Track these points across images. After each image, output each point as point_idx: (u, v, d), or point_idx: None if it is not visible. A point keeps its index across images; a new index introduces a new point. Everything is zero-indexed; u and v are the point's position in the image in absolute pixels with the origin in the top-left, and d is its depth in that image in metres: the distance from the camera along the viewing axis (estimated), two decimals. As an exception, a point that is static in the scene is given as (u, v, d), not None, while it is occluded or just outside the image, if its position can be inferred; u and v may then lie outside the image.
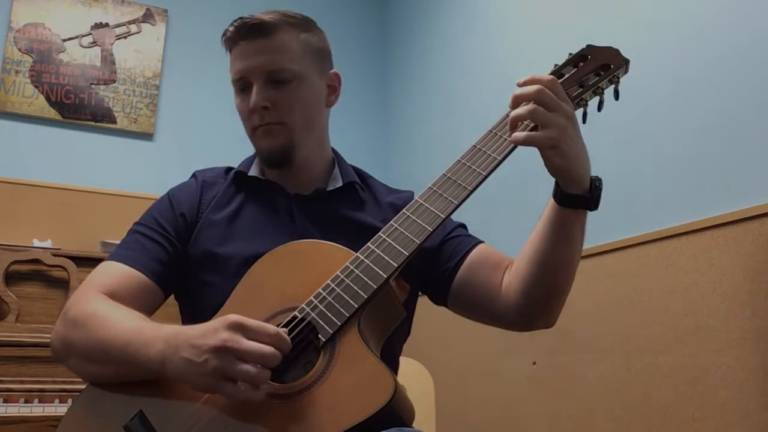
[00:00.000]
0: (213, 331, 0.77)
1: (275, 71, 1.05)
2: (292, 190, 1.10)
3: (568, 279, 0.97)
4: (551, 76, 0.89)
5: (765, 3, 1.47)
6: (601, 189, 0.91)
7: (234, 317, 0.77)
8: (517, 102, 0.87)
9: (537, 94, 0.85)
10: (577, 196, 0.90)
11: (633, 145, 1.76)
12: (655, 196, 1.69)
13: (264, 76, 1.05)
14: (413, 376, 1.44)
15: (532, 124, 0.87)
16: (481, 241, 1.10)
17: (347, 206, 1.10)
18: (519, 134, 0.86)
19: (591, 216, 0.94)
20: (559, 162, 0.86)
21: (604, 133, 1.76)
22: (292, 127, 1.07)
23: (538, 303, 0.98)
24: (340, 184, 1.12)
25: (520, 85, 0.89)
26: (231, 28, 1.07)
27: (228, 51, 1.09)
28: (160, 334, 0.82)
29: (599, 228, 1.73)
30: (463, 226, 1.14)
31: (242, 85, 1.07)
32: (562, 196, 0.90)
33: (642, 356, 1.63)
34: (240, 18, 1.07)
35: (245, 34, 1.05)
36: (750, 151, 1.46)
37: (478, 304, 1.05)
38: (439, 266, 1.07)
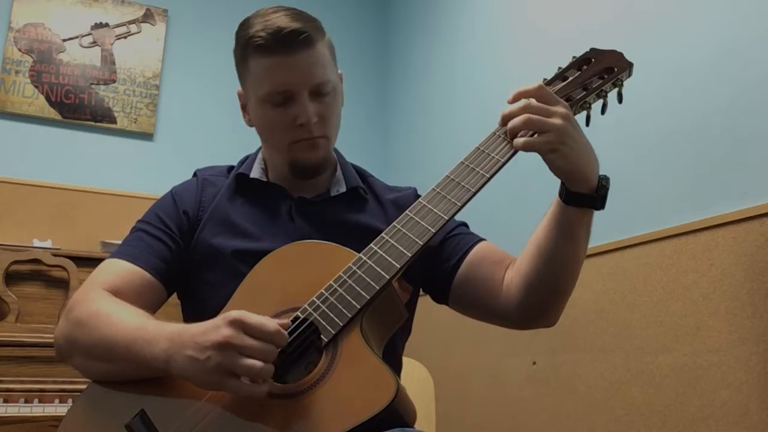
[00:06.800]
0: (215, 328, 0.77)
1: (321, 84, 1.01)
2: (296, 193, 1.09)
3: (571, 278, 0.96)
4: (537, 83, 0.90)
5: (764, 3, 1.48)
6: (607, 188, 0.90)
7: (235, 313, 0.77)
8: (505, 120, 0.89)
9: (523, 110, 0.87)
10: (583, 195, 0.89)
11: (633, 145, 1.76)
12: (655, 196, 1.69)
13: (308, 89, 1.01)
14: (413, 376, 1.44)
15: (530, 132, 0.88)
16: (483, 239, 1.09)
17: (349, 209, 1.09)
18: (518, 140, 0.87)
19: (590, 215, 0.93)
20: (562, 164, 0.87)
21: (603, 132, 1.76)
22: (330, 139, 1.07)
23: (540, 301, 0.97)
24: (344, 189, 1.11)
25: (510, 102, 0.90)
26: (264, 35, 0.98)
27: (251, 57, 1.01)
28: (164, 332, 0.82)
29: (599, 228, 1.70)
30: (464, 224, 1.14)
31: (283, 98, 1.01)
32: (567, 195, 0.90)
33: (642, 356, 1.63)
34: (270, 24, 0.98)
35: (288, 44, 0.98)
36: (750, 151, 1.46)
37: (479, 302, 1.04)
38: (440, 264, 1.06)
